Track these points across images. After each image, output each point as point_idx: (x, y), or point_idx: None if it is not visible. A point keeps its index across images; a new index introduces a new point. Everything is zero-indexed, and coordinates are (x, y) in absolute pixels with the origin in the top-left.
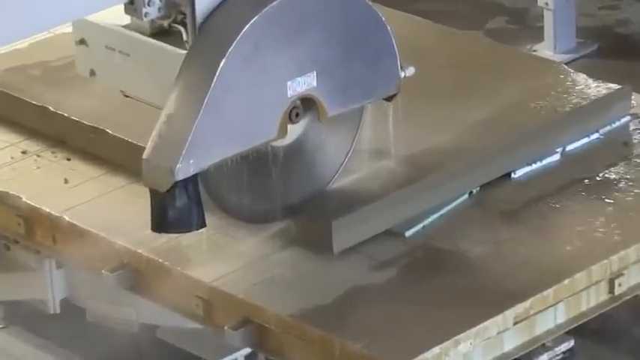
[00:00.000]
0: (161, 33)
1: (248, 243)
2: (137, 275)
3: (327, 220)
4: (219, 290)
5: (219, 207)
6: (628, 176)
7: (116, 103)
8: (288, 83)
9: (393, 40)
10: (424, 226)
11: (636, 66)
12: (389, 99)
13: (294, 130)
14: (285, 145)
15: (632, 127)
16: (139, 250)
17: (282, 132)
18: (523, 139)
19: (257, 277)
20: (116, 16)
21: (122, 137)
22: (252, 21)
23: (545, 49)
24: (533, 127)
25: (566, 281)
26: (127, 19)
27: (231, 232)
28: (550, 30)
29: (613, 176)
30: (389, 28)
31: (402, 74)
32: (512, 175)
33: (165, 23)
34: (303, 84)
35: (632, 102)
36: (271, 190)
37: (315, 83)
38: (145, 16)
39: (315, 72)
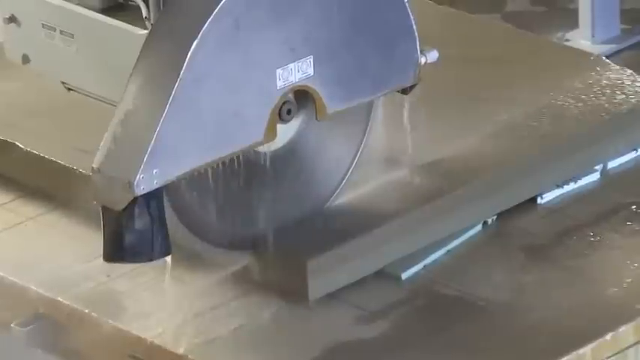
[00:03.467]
0: (114, 8)
1: (199, 287)
2: (55, 330)
3: (301, 259)
4: (161, 349)
5: (189, 230)
6: None
7: (37, 102)
8: (278, 71)
9: (412, 17)
10: (425, 265)
11: None
12: (405, 91)
13: (286, 132)
14: (274, 150)
15: None
16: (58, 298)
17: (271, 134)
18: (552, 153)
19: (210, 331)
20: None
21: (37, 153)
22: None
23: (580, 38)
24: (565, 139)
25: (608, 336)
26: None
27: (177, 274)
28: (587, 13)
29: None
30: (405, 1)
31: (423, 60)
32: (539, 201)
33: None
34: (297, 72)
35: None
36: (255, 208)
37: (311, 71)
38: None
39: (311, 57)
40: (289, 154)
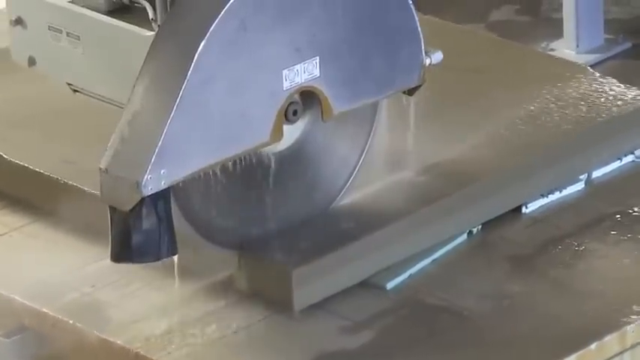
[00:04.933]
0: (120, 10)
1: (183, 297)
2: (41, 340)
3: (287, 269)
4: (146, 359)
5: (195, 230)
6: None
7: (22, 113)
8: (284, 72)
9: (416, 18)
10: (410, 275)
11: None
12: (410, 92)
13: (292, 133)
14: (280, 151)
15: None
16: (43, 309)
17: (277, 134)
18: (537, 163)
19: (194, 341)
20: None
21: (22, 164)
22: None
23: (564, 48)
24: (549, 148)
25: (593, 345)
26: None
27: (161, 283)
28: (571, 23)
29: None
30: (410, 2)
31: (427, 61)
32: (524, 210)
33: None
34: (303, 73)
35: None
36: (261, 209)
37: (317, 72)
38: None
39: (317, 58)
40: (296, 154)
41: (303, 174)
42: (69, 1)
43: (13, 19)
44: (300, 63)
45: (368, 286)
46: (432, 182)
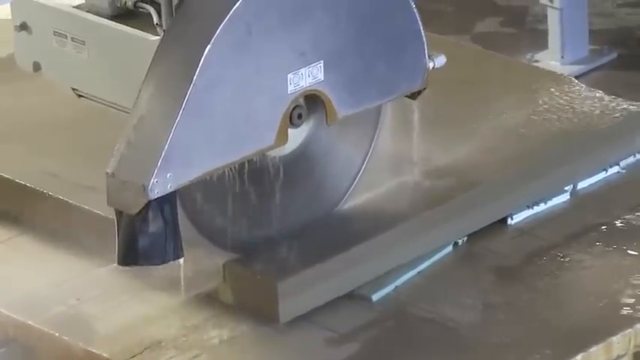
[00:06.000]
0: (124, 15)
1: (169, 309)
2: (26, 353)
3: (272, 280)
4: None
5: (200, 233)
6: None
7: (5, 125)
8: (289, 76)
9: (420, 22)
10: (396, 287)
11: None
12: (413, 96)
13: (296, 136)
14: (285, 154)
15: None
16: (29, 321)
17: (282, 138)
18: (522, 174)
19: (180, 354)
20: None
21: (6, 176)
22: None
23: (549, 59)
24: (534, 160)
25: (579, 356)
26: None
27: (147, 295)
28: (556, 34)
29: (637, 221)
30: (413, 6)
31: (431, 65)
32: (509, 221)
33: (130, 2)
34: (308, 77)
35: None
36: (266, 212)
37: (322, 76)
38: None
39: (322, 62)
40: (300, 158)
41: (307, 176)
42: (74, 7)
43: (18, 24)
44: (304, 67)
45: (353, 297)
46: (416, 195)
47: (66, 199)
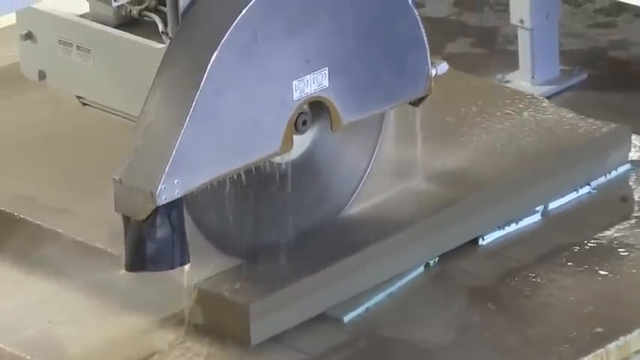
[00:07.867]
0: (129, 24)
1: (138, 330)
2: None
3: (243, 302)
4: None
5: (206, 238)
6: (627, 241)
7: None
8: (294, 83)
9: (422, 30)
10: (368, 308)
11: (637, 100)
12: (416, 103)
13: (301, 143)
14: (290, 161)
15: (632, 179)
16: (0, 345)
17: (287, 144)
18: (493, 195)
19: None
20: (72, 2)
21: None
22: (249, 5)
23: (520, 79)
24: (505, 180)
25: None
26: (85, 7)
27: (116, 317)
28: (527, 55)
29: (608, 242)
30: (416, 13)
31: (433, 72)
32: (481, 242)
33: (135, 10)
34: (313, 84)
35: (633, 146)
36: (271, 218)
37: (327, 83)
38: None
39: (327, 69)
40: (305, 164)
41: (312, 183)
42: (79, 15)
43: (23, 33)
44: (309, 74)
45: (325, 319)
46: (388, 216)
47: (37, 222)
